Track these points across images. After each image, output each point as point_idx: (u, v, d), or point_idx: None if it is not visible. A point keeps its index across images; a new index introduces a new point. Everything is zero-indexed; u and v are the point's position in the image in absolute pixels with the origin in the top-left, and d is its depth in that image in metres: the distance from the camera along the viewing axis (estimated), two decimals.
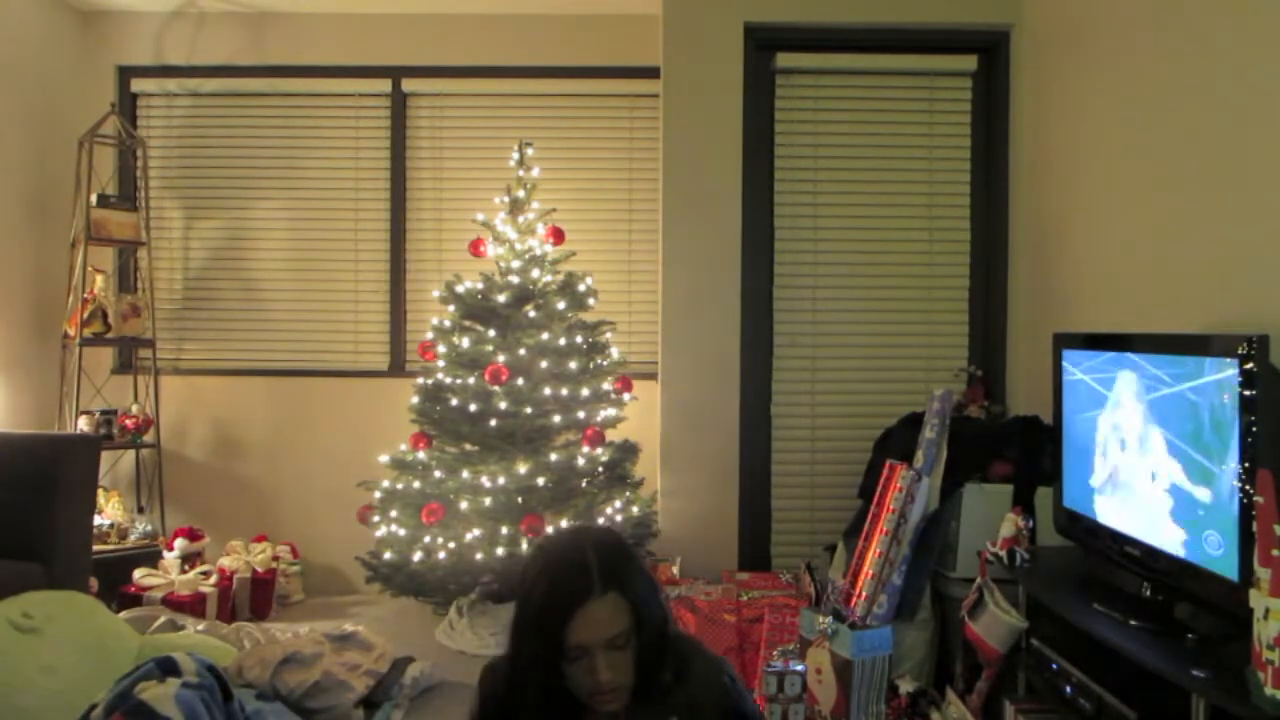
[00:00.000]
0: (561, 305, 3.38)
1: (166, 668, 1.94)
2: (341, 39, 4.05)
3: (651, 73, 3.79)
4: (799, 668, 2.47)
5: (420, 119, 4.11)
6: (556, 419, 3.24)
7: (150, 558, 3.62)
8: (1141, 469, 2.10)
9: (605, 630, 1.29)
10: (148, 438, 3.89)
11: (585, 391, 3.36)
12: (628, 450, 3.43)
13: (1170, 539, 1.97)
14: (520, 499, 3.16)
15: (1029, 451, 2.82)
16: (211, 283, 4.13)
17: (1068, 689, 2.04)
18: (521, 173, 3.50)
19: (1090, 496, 2.34)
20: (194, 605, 3.36)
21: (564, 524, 3.20)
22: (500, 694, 1.38)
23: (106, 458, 3.65)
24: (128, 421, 3.82)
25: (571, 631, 1.28)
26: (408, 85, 4.08)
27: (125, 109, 4.07)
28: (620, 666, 1.31)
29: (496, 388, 3.16)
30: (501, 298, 3.33)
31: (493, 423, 3.18)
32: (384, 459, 3.35)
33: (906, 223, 3.64)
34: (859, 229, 3.64)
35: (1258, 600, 1.49)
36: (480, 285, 3.38)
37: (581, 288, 3.45)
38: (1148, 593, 2.07)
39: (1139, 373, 2.11)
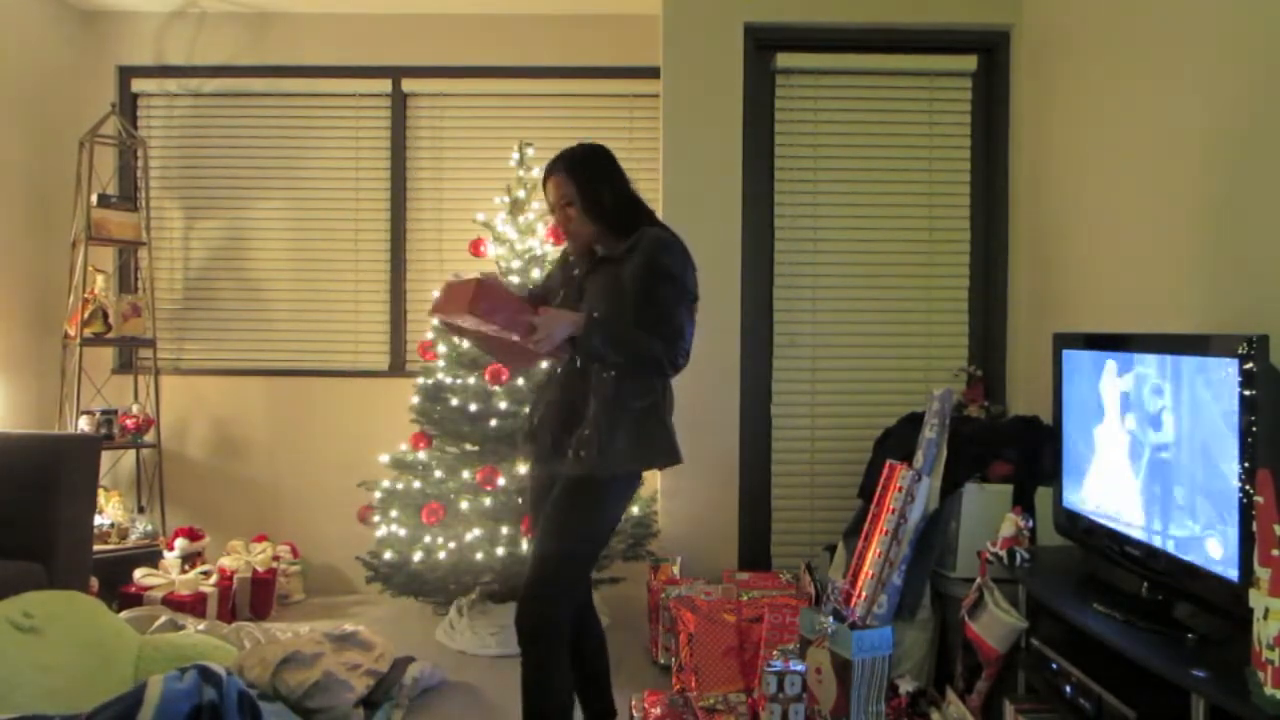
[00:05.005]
0: None
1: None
2: (341, 39, 4.05)
3: (651, 73, 3.79)
4: (799, 668, 2.46)
5: (420, 119, 4.11)
6: None
7: (150, 557, 3.62)
8: (1141, 468, 2.10)
9: (552, 194, 2.17)
10: (148, 438, 3.89)
11: None
12: None
13: (1170, 539, 1.97)
14: (520, 499, 3.16)
15: (1029, 451, 2.82)
16: (211, 283, 4.13)
17: (1068, 689, 2.04)
18: (522, 173, 3.49)
19: (1090, 496, 2.34)
20: (194, 605, 3.36)
21: None
22: None
23: (107, 458, 3.65)
24: (128, 421, 3.82)
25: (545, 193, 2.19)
26: (408, 85, 4.08)
27: (125, 109, 4.08)
28: (573, 220, 2.14)
29: (497, 388, 3.17)
30: None
31: (493, 423, 3.18)
32: (384, 459, 3.34)
33: (906, 223, 3.64)
34: (859, 229, 3.64)
35: (1258, 600, 1.49)
36: None
37: None
38: (1147, 593, 2.07)
39: (1139, 372, 2.11)
